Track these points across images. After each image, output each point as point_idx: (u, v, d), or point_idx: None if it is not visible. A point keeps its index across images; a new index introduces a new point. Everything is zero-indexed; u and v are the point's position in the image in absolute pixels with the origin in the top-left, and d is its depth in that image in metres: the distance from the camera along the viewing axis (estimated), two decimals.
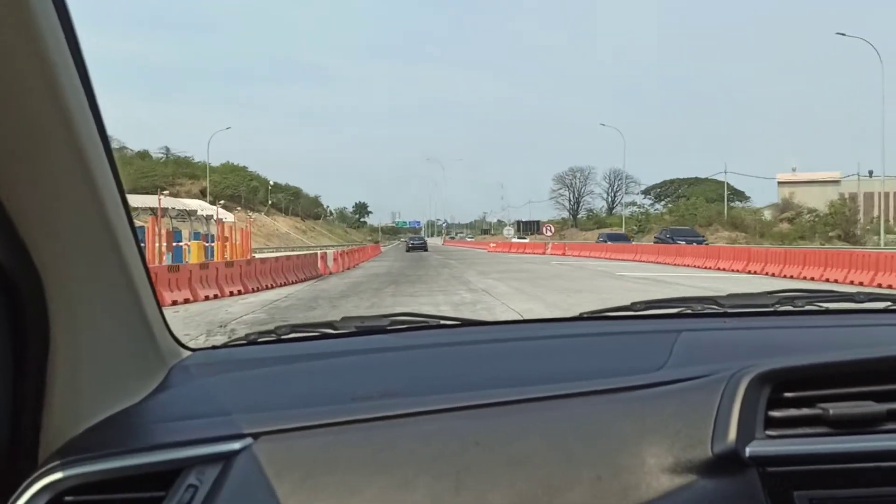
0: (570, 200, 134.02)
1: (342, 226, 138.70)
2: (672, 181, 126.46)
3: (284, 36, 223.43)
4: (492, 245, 63.46)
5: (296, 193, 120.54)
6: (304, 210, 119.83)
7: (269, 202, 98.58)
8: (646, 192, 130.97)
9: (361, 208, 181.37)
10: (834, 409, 1.04)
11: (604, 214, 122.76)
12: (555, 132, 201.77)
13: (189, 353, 1.40)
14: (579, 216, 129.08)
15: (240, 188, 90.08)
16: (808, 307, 1.61)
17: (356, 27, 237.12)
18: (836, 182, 73.24)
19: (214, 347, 1.52)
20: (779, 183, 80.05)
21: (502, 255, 46.46)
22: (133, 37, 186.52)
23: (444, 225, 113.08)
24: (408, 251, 59.18)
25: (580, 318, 1.65)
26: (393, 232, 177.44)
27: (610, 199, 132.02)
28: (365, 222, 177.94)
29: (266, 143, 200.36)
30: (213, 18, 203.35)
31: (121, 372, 1.15)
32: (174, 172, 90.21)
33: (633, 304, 1.63)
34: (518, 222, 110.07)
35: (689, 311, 1.62)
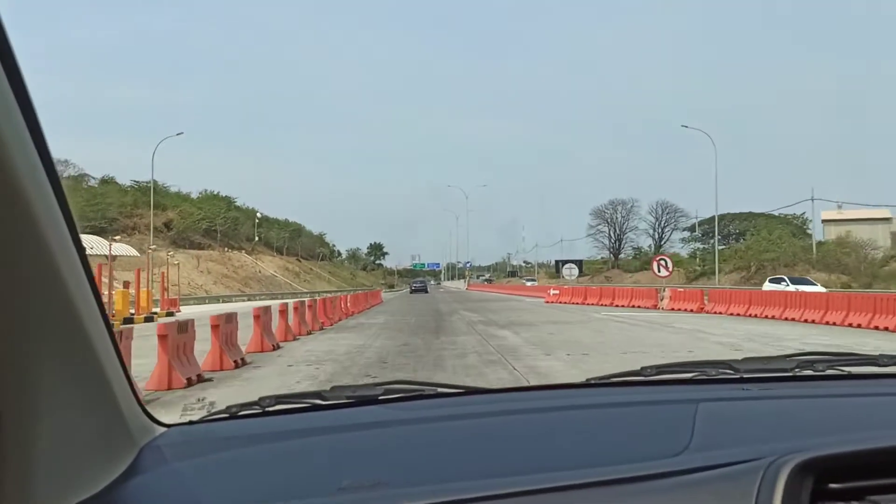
0: (610, 237, 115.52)
1: (351, 268, 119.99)
2: (722, 216, 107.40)
3: (304, 79, 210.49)
4: (552, 292, 38.81)
5: (297, 230, 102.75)
6: (305, 249, 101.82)
7: (256, 238, 79.84)
8: (691, 229, 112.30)
9: (376, 249, 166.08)
10: (885, 502, 0.94)
11: (651, 252, 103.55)
12: (576, 171, 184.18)
13: (163, 429, 1.25)
14: (621, 255, 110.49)
15: (216, 221, 71.40)
16: (829, 371, 1.51)
17: (371, 70, 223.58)
18: (886, 220, 67.07)
19: (191, 423, 1.35)
20: (823, 221, 74.14)
21: (594, 315, 25.06)
22: (146, 80, 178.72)
23: (468, 265, 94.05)
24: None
25: (588, 384, 1.55)
26: (412, 275, 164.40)
27: (657, 236, 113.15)
28: (380, 264, 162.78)
29: (281, 184, 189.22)
30: (225, 60, 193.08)
31: (84, 454, 0.99)
32: (135, 202, 71.69)
33: (643, 368, 1.52)
34: (559, 262, 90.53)
35: (703, 377, 1.51)
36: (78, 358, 0.94)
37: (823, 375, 1.50)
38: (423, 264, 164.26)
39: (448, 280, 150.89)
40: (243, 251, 73.77)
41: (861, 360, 1.55)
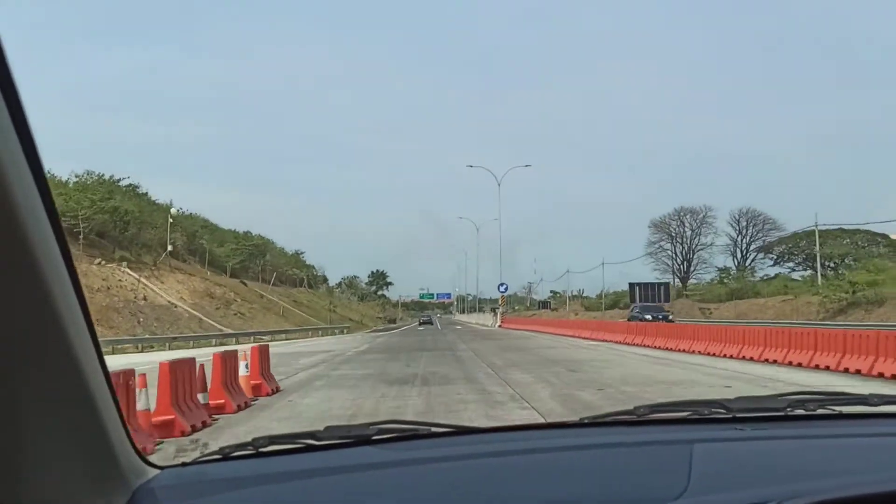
0: (675, 256, 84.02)
1: (338, 297, 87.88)
2: (805, 233, 75.75)
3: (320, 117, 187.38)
4: None
5: (259, 246, 71.32)
6: (275, 272, 70.50)
7: (169, 248, 47.87)
8: (765, 250, 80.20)
9: (378, 278, 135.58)
10: None
11: (736, 275, 71.26)
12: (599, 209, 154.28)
13: (156, 471, 1.22)
14: (691, 280, 78.92)
15: (93, 215, 39.78)
16: (820, 411, 1.50)
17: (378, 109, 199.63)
18: None
19: (184, 465, 1.32)
20: None
21: None
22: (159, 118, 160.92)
23: (503, 289, 60.47)
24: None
25: (581, 424, 1.52)
26: (419, 307, 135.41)
27: (741, 252, 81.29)
28: (383, 295, 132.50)
29: (281, 215, 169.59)
30: (219, 93, 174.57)
31: (76, 497, 0.94)
32: None
33: (636, 408, 1.49)
34: (636, 286, 57.60)
35: (696, 417, 1.50)
36: (70, 397, 0.88)
37: (815, 415, 1.48)
38: (432, 295, 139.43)
39: (462, 313, 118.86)
40: (125, 264, 41.37)
41: (852, 399, 1.52)
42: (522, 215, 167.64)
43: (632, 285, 59.03)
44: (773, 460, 1.20)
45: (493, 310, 63.30)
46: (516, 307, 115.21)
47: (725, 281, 68.80)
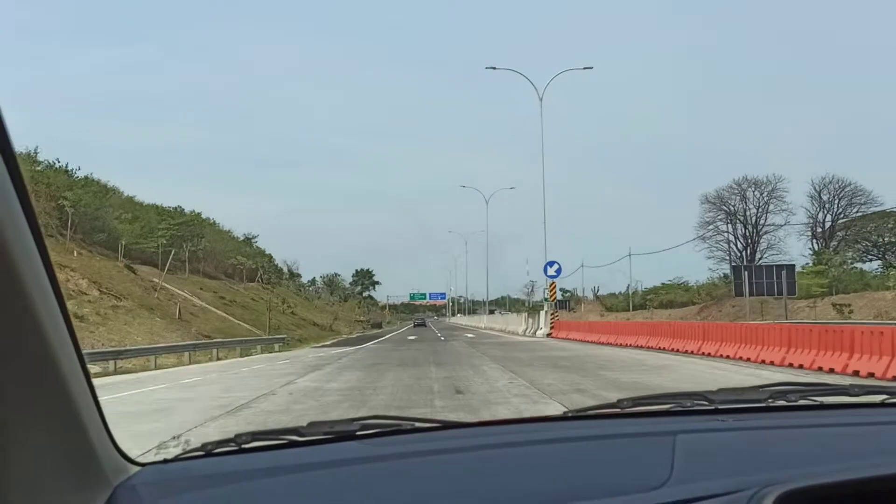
0: (735, 239, 63.78)
1: (291, 295, 66.79)
2: (865, 216, 56.33)
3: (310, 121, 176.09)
4: None
5: (192, 226, 50.36)
6: (216, 261, 49.54)
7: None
8: (822, 237, 60.30)
9: (363, 277, 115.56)
10: None
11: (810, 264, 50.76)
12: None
13: (137, 468, 1.20)
14: (761, 264, 58.65)
15: None
16: (801, 402, 1.51)
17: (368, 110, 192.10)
18: None
19: (166, 461, 1.29)
20: None
21: None
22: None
23: (554, 275, 30.51)
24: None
25: (566, 417, 1.54)
26: (410, 309, 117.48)
27: (823, 233, 60.86)
28: (370, 296, 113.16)
29: (278, 219, 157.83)
30: (197, 97, 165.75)
31: (54, 496, 0.90)
32: None
33: (619, 401, 1.51)
34: (744, 270, 36.21)
35: (679, 409, 1.49)
36: (47, 392, 0.85)
37: (796, 406, 1.48)
38: (424, 295, 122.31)
39: (461, 314, 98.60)
40: None
41: (833, 390, 1.53)
42: (516, 216, 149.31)
43: (736, 269, 37.92)
44: (754, 450, 1.20)
45: (494, 311, 41.69)
46: (510, 310, 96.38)
47: (823, 270, 48.28)
